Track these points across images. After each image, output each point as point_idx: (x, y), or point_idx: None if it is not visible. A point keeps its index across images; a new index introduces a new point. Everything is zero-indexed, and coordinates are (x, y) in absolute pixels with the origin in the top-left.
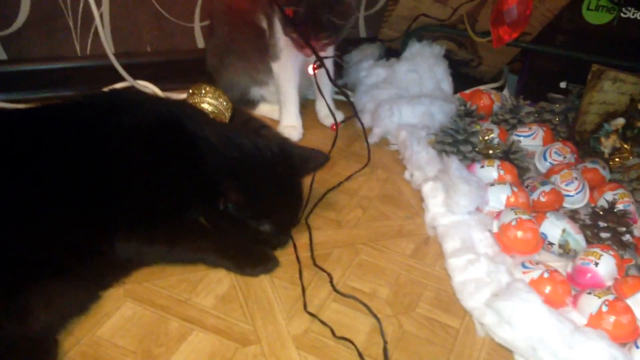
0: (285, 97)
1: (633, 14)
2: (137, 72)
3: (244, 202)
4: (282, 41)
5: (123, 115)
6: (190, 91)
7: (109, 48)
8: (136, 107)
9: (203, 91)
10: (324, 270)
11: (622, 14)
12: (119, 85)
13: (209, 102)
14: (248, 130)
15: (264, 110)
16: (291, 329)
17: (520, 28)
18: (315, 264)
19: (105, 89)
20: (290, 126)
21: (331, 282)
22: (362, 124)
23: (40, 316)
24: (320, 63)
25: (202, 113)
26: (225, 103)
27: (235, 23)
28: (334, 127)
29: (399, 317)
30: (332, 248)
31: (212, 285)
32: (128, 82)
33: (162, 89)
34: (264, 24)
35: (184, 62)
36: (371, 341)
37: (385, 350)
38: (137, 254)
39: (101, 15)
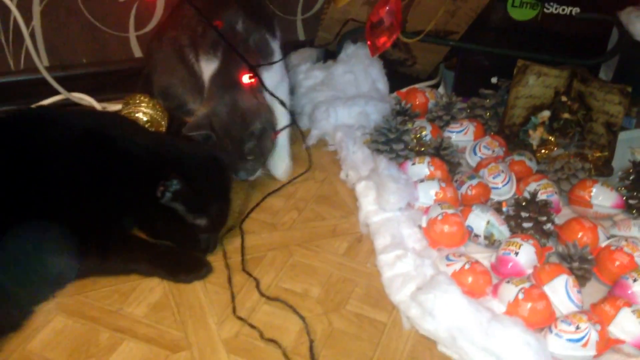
0: None
1: (556, 9)
2: (73, 84)
3: (183, 191)
4: None
5: (49, 131)
6: (125, 101)
7: (39, 62)
8: (61, 122)
9: (138, 100)
10: (250, 275)
11: (545, 10)
12: (53, 99)
13: (144, 111)
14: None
15: None
16: (222, 333)
17: (393, 36)
18: (243, 269)
19: (33, 106)
20: None
21: (257, 286)
22: (300, 128)
23: None
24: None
25: (132, 122)
26: (161, 112)
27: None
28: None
29: (328, 315)
30: (266, 251)
31: (144, 294)
32: (62, 95)
33: (99, 100)
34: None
35: (120, 72)
36: (300, 340)
37: (311, 348)
38: (68, 268)
39: (32, 30)
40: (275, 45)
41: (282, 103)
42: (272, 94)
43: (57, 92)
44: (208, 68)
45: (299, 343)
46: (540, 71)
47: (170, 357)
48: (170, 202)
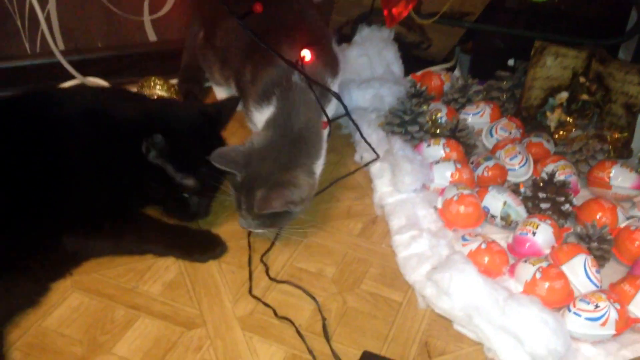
0: None
1: None
2: (88, 68)
3: (168, 148)
4: None
5: (47, 112)
6: (140, 84)
7: (55, 46)
8: (57, 102)
9: (152, 83)
10: (263, 263)
11: None
12: (68, 83)
13: (159, 93)
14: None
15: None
16: (237, 311)
17: (410, 5)
18: (260, 259)
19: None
20: None
21: (267, 272)
22: (353, 121)
23: None
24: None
25: (118, 91)
26: (175, 94)
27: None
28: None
29: (343, 294)
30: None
31: (159, 273)
32: (77, 79)
33: (114, 84)
34: None
35: (135, 55)
36: (315, 318)
37: (324, 326)
38: (84, 248)
39: (48, 14)
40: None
41: (337, 96)
42: (327, 89)
43: (72, 76)
44: (261, 115)
45: (313, 321)
46: (558, 52)
47: (185, 334)
48: (156, 160)
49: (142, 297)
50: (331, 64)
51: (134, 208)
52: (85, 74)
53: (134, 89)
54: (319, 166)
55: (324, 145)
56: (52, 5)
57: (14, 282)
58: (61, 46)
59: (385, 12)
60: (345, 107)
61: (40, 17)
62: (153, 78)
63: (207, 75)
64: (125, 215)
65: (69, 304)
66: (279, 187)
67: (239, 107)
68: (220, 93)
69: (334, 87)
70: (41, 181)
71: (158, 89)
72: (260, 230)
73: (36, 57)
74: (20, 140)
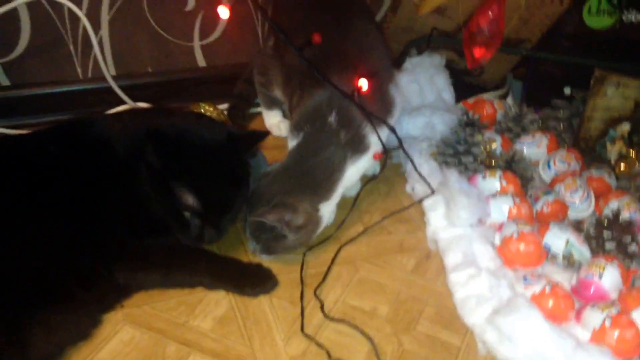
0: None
1: (635, 17)
2: (138, 92)
3: (167, 150)
4: None
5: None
6: (190, 108)
7: (107, 71)
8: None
9: (202, 110)
10: (316, 297)
11: (623, 18)
12: (119, 108)
13: None
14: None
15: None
16: (289, 350)
17: (493, 47)
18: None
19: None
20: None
21: (322, 308)
22: (406, 153)
23: (41, 346)
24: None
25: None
26: (224, 121)
27: None
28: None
29: (398, 336)
30: (331, 266)
31: (210, 307)
32: (128, 104)
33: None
34: None
35: (184, 81)
36: None
37: None
38: (135, 280)
39: (100, 39)
40: None
41: (392, 129)
42: (382, 121)
43: (123, 101)
44: (290, 143)
45: None
46: (619, 82)
47: None
48: (150, 159)
49: (193, 332)
50: (384, 103)
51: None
52: (135, 99)
53: None
54: (325, 207)
55: (337, 191)
56: (104, 30)
57: (67, 314)
58: (112, 71)
59: (467, 53)
60: (399, 139)
61: (94, 41)
62: (202, 104)
63: (259, 94)
64: (174, 247)
65: (121, 338)
66: (278, 206)
67: None
68: (272, 118)
69: (384, 130)
70: (91, 210)
71: (208, 115)
72: (264, 257)
73: (88, 82)
74: (68, 167)
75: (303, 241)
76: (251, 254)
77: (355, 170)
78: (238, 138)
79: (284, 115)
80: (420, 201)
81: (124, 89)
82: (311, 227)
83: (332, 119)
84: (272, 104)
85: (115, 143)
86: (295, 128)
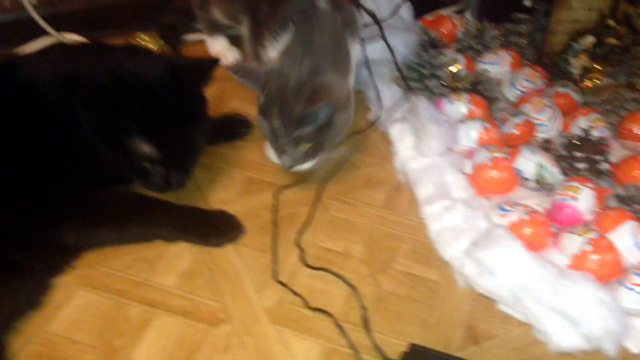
0: None
1: None
2: (64, 22)
3: (107, 112)
4: None
5: (16, 80)
6: (127, 40)
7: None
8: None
9: (141, 41)
10: (298, 247)
11: None
12: (43, 41)
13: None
14: None
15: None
16: (263, 301)
17: None
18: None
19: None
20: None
21: (302, 256)
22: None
23: None
24: None
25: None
26: (167, 51)
27: None
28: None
29: (376, 276)
30: (298, 206)
31: (172, 262)
32: (52, 35)
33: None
34: None
35: (114, 6)
36: (349, 305)
37: (365, 318)
38: (85, 239)
39: None
40: None
41: (371, 13)
42: (361, 6)
43: (46, 32)
44: (274, 50)
45: (347, 309)
46: None
47: (210, 332)
48: (86, 116)
49: (157, 291)
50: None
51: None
52: (60, 29)
53: None
54: (350, 79)
55: (353, 66)
56: None
57: (11, 284)
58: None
59: None
60: (380, 25)
61: None
62: (140, 34)
63: (199, 19)
64: (127, 197)
65: (76, 304)
66: (316, 90)
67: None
68: (215, 45)
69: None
70: (26, 167)
71: (150, 46)
72: (305, 166)
73: (6, 13)
74: None
75: (346, 122)
76: (287, 168)
77: (356, 52)
78: (185, 70)
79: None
80: (377, 121)
81: (46, 18)
82: (350, 103)
83: (322, 3)
84: (214, 29)
85: (45, 88)
86: (279, 27)
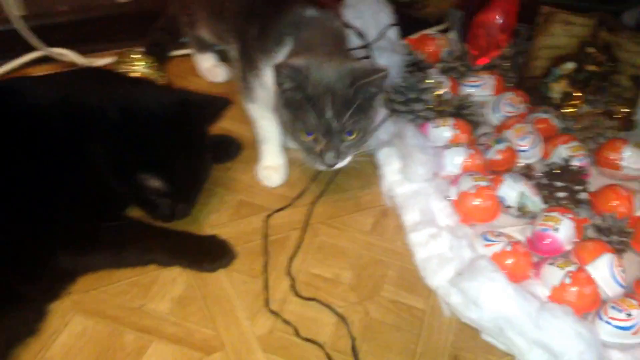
0: (262, 134)
1: None
2: (52, 35)
3: (117, 147)
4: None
5: (17, 104)
6: (117, 59)
7: (11, 10)
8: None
9: (134, 60)
10: (289, 275)
11: None
12: (30, 56)
13: (141, 71)
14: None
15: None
16: (255, 329)
17: (504, 43)
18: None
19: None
20: (270, 167)
21: (293, 286)
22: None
23: None
24: None
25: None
26: (157, 69)
27: None
28: None
29: (364, 304)
30: (288, 230)
31: (166, 287)
32: (39, 50)
33: (84, 53)
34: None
35: (104, 19)
36: (339, 334)
37: (354, 347)
38: (82, 263)
39: None
40: None
41: (356, 29)
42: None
43: (32, 47)
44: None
45: (336, 337)
46: (566, 19)
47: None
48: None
49: (151, 317)
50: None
51: (122, 211)
52: (49, 43)
53: (106, 60)
54: None
55: None
56: None
57: (8, 310)
58: (21, 11)
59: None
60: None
61: None
62: (131, 51)
63: (188, 36)
64: (123, 223)
65: (72, 330)
66: (367, 69)
67: None
68: (204, 62)
69: None
70: (23, 193)
71: (137, 66)
72: (344, 162)
73: None
74: None
75: (378, 110)
76: (327, 168)
77: None
78: (196, 107)
79: (220, 59)
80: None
81: (35, 30)
82: None
83: (312, 12)
84: (203, 46)
85: (49, 116)
86: (274, 44)
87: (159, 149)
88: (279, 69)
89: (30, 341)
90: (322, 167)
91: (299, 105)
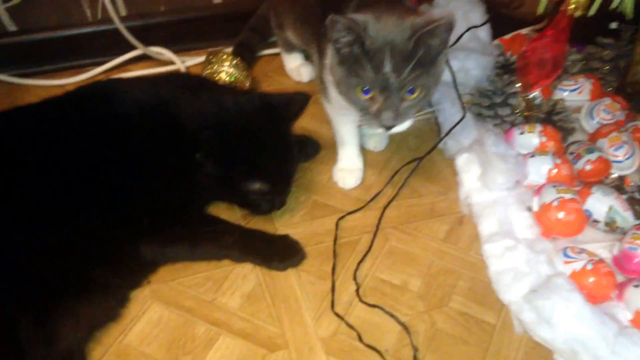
0: (340, 135)
1: None
2: (151, 34)
3: (222, 154)
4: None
5: (112, 106)
6: (207, 59)
7: (114, 12)
8: (123, 94)
9: (222, 59)
10: (355, 282)
11: None
12: (130, 55)
13: (227, 71)
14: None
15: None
16: (319, 331)
17: (555, 73)
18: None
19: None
20: (346, 170)
21: (357, 292)
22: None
23: (69, 336)
24: None
25: (186, 78)
26: (245, 70)
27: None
28: None
29: (431, 313)
30: (360, 234)
31: (237, 283)
32: (138, 48)
33: (178, 52)
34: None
35: (200, 19)
36: (402, 342)
37: (415, 358)
38: (161, 255)
39: None
40: None
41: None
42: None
43: (133, 46)
44: None
45: (400, 346)
46: None
47: (268, 357)
48: (205, 161)
49: (222, 311)
50: None
51: (204, 207)
52: (148, 41)
53: (198, 59)
54: None
55: None
56: None
57: (95, 300)
58: (123, 12)
59: (524, 82)
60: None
61: None
62: (221, 52)
63: (277, 37)
64: (201, 219)
65: (149, 318)
66: (427, 19)
67: None
68: (291, 62)
69: None
70: (107, 188)
71: (227, 65)
72: (404, 125)
73: (97, 25)
74: (84, 143)
75: (442, 68)
76: (386, 130)
77: None
78: (279, 107)
79: (306, 58)
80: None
81: (134, 30)
82: None
83: None
84: (290, 47)
85: (141, 117)
86: None
87: (257, 156)
88: (333, 22)
89: (111, 325)
90: (379, 129)
91: (355, 60)
